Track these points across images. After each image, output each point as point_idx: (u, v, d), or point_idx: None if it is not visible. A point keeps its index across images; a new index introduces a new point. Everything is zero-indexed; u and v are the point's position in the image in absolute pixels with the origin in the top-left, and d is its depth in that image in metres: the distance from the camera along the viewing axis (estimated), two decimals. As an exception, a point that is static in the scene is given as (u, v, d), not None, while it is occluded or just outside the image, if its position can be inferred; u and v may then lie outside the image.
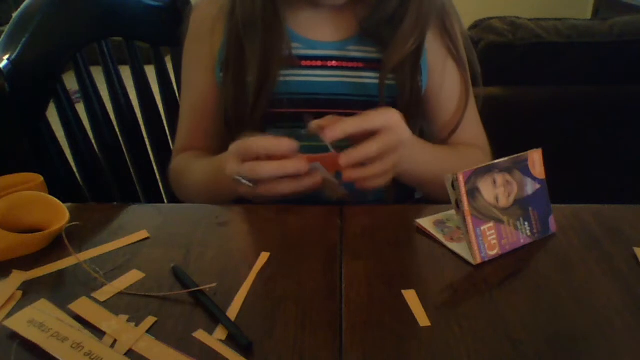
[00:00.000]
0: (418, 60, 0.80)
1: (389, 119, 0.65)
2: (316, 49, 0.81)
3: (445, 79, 0.83)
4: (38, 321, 0.49)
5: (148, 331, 0.50)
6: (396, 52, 0.77)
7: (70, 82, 0.92)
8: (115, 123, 0.99)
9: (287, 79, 0.80)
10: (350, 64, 0.81)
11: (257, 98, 0.78)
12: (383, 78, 0.79)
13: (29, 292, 0.55)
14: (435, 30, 0.81)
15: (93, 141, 0.96)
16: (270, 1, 0.75)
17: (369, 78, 0.81)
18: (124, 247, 0.62)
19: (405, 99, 0.80)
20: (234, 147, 0.66)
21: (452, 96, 0.84)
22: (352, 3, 0.78)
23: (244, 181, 0.65)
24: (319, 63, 0.81)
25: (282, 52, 0.78)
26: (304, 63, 0.81)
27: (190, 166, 0.83)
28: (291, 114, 0.80)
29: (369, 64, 0.81)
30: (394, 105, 0.79)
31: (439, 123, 0.85)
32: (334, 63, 0.81)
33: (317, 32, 0.82)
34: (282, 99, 0.80)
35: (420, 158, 0.74)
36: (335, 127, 0.62)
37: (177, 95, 1.04)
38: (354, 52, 0.81)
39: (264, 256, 0.60)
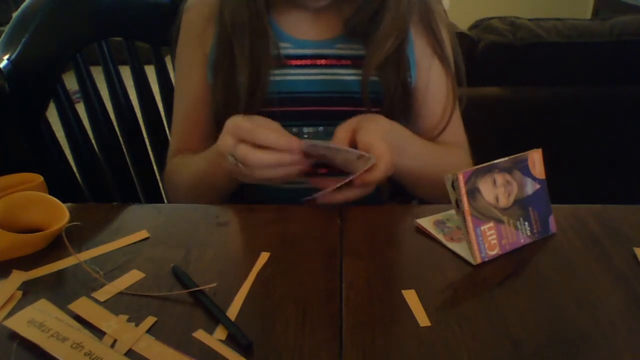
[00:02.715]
0: (401, 58, 0.80)
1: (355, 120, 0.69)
2: (305, 48, 0.82)
3: (431, 77, 0.83)
4: (38, 321, 0.49)
5: (148, 331, 0.50)
6: (376, 53, 0.78)
7: (70, 82, 0.92)
8: (115, 123, 0.99)
9: (278, 78, 0.80)
10: (339, 62, 0.82)
11: (250, 98, 0.78)
12: (366, 77, 0.79)
13: (29, 292, 0.55)
14: (421, 29, 0.82)
15: (93, 141, 0.96)
16: (255, 3, 0.75)
17: (357, 75, 0.81)
18: (124, 247, 0.62)
19: (391, 95, 0.80)
20: (234, 125, 0.66)
21: (438, 96, 0.84)
22: (337, 2, 0.79)
23: (232, 159, 0.65)
24: (308, 62, 0.82)
25: (271, 53, 0.78)
26: (294, 62, 0.81)
27: (185, 162, 0.83)
28: (281, 112, 0.80)
29: (357, 62, 0.81)
30: (378, 102, 0.79)
31: (425, 122, 0.85)
32: (323, 61, 0.82)
33: (306, 31, 0.82)
34: (273, 99, 0.80)
35: (411, 150, 0.75)
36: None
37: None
38: (342, 50, 0.82)
39: (264, 256, 0.60)
